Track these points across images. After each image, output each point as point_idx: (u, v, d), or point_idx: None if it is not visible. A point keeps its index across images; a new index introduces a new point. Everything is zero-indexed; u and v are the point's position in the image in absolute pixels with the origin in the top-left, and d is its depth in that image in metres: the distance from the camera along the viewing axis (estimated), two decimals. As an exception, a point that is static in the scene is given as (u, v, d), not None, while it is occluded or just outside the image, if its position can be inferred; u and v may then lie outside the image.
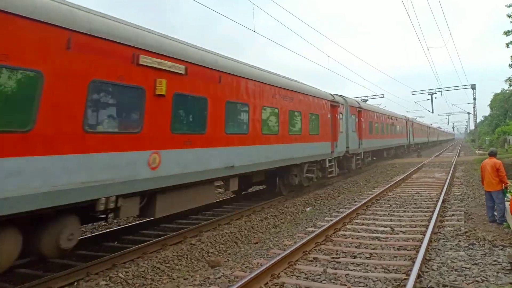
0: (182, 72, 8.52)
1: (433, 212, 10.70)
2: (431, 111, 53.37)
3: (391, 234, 9.07)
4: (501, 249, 7.49)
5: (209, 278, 6.57)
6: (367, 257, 7.34)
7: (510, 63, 32.05)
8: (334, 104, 18.52)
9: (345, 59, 50.37)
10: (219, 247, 8.93)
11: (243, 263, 7.34)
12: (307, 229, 10.00)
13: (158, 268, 7.32)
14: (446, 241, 8.18)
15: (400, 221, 10.33)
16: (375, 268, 6.66)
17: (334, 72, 28.19)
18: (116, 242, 9.09)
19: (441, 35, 31.60)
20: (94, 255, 7.81)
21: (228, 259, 8.15)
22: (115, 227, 10.57)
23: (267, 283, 6.07)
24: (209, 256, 8.37)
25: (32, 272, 6.88)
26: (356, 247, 8.09)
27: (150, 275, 7.05)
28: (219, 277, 6.53)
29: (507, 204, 9.67)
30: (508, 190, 10.84)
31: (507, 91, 69.38)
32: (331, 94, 18.91)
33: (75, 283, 6.41)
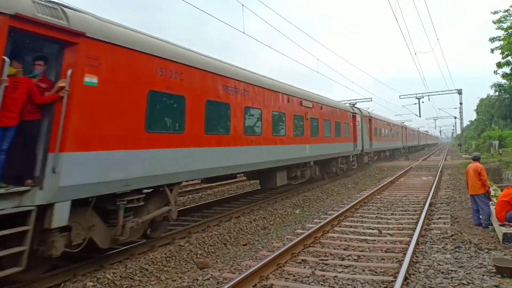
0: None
1: (420, 215, 10.82)
2: (418, 115, 54.04)
3: (379, 236, 9.16)
4: (487, 252, 7.61)
5: (197, 279, 6.55)
6: (355, 259, 7.39)
7: (496, 69, 32.61)
8: (353, 114, 24.72)
9: (334, 62, 50.75)
10: (207, 248, 8.91)
11: (231, 265, 7.34)
12: (296, 231, 10.03)
13: (146, 270, 7.27)
14: (433, 244, 8.28)
15: (388, 224, 10.43)
16: (363, 270, 6.70)
17: (322, 75, 28.36)
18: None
19: (428, 40, 32.03)
20: (81, 256, 7.72)
21: (216, 261, 8.14)
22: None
23: (255, 285, 6.08)
24: (197, 257, 8.35)
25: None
26: (344, 249, 8.15)
27: (138, 276, 6.99)
28: (208, 279, 6.52)
29: (492, 207, 9.84)
30: (493, 194, 11.03)
31: (493, 97, 70.54)
32: (351, 106, 26.03)
33: (62, 284, 6.33)
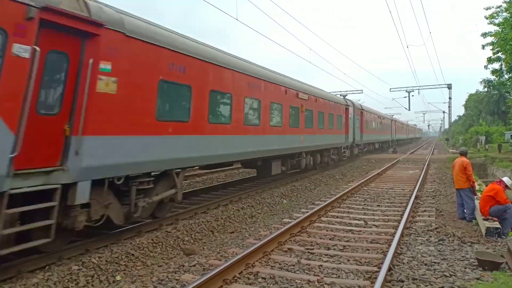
0: None
1: (405, 207, 10.93)
2: (408, 108, 54.47)
3: (364, 227, 9.24)
4: (470, 245, 7.74)
5: (183, 265, 6.56)
6: (340, 249, 7.47)
7: (486, 64, 32.81)
8: (392, 120, 44.49)
9: (326, 53, 50.37)
10: (195, 235, 8.92)
11: (218, 252, 7.36)
12: (283, 220, 10.09)
13: (132, 255, 7.27)
14: (417, 236, 8.40)
15: (374, 215, 10.53)
16: (348, 260, 6.78)
17: (315, 65, 28.52)
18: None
19: (421, 33, 32.15)
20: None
21: (203, 248, 8.17)
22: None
23: (241, 272, 6.11)
24: (184, 244, 8.36)
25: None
26: (330, 239, 8.22)
27: (124, 261, 6.99)
28: (194, 265, 6.53)
29: (476, 202, 9.99)
30: (478, 189, 11.19)
31: (482, 92, 71.34)
32: (391, 115, 48.07)
33: (47, 267, 6.29)
